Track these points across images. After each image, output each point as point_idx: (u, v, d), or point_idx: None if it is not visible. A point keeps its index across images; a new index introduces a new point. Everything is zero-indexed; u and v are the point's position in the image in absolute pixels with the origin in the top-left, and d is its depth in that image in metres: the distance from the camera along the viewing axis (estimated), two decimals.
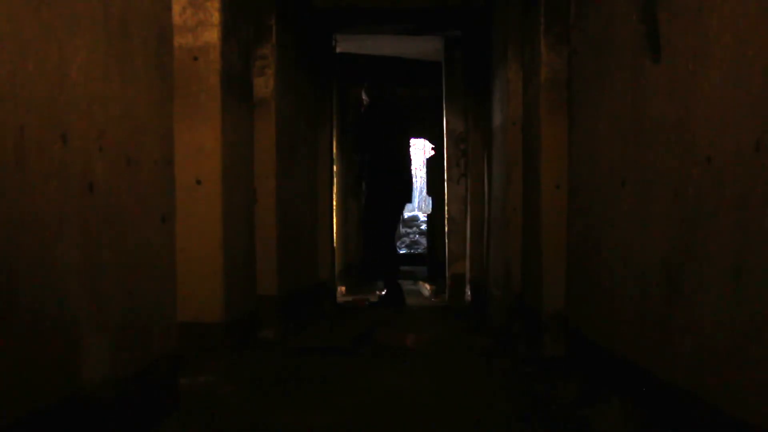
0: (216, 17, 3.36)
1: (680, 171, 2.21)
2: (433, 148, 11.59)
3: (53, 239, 1.80)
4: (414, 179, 8.00)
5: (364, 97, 7.56)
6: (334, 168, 7.72)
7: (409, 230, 18.10)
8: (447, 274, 7.90)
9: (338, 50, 7.95)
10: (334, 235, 7.42)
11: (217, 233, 3.39)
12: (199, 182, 3.35)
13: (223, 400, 2.91)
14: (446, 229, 7.97)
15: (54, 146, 1.80)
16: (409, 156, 7.74)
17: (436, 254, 9.77)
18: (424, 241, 14.49)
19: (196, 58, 3.35)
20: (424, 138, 13.82)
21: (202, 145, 3.35)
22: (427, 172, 11.15)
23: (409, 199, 7.71)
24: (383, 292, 7.42)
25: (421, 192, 23.00)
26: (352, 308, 6.97)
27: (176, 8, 3.19)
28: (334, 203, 7.59)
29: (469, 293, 7.11)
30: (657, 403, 2.37)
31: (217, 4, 3.37)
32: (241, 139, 3.80)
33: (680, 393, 2.19)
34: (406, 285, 10.00)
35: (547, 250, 3.82)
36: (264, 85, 4.44)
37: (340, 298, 7.72)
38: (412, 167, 7.84)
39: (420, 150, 19.52)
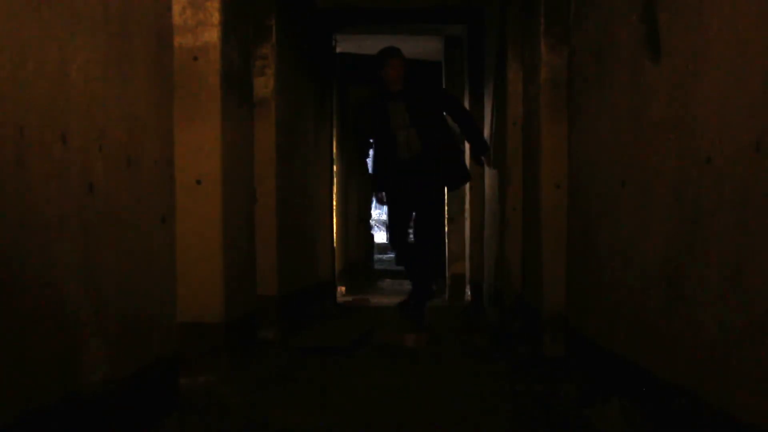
0: (216, 17, 3.36)
1: (680, 171, 2.21)
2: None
3: (53, 239, 1.80)
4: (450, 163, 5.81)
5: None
6: (334, 168, 7.72)
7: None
8: (447, 274, 7.91)
9: (338, 50, 7.95)
10: (334, 235, 7.43)
11: (217, 233, 3.39)
12: (199, 182, 3.35)
13: (223, 400, 2.91)
14: (446, 229, 7.98)
15: (54, 146, 1.80)
16: (435, 136, 5.72)
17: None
18: None
19: (196, 58, 3.35)
20: None
21: (202, 145, 3.35)
22: None
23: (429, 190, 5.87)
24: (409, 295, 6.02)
25: None
26: (352, 308, 6.97)
27: (176, 8, 3.19)
28: (334, 203, 7.59)
29: (469, 293, 7.11)
30: (657, 403, 2.37)
31: (217, 4, 3.36)
32: (241, 139, 3.80)
33: (680, 393, 2.19)
34: (407, 285, 10.00)
35: (547, 250, 3.82)
36: (264, 85, 4.44)
37: (340, 298, 7.72)
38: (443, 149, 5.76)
39: None
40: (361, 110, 6.25)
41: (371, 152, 6.89)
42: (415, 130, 5.62)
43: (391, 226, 6.26)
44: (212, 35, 3.36)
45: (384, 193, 5.98)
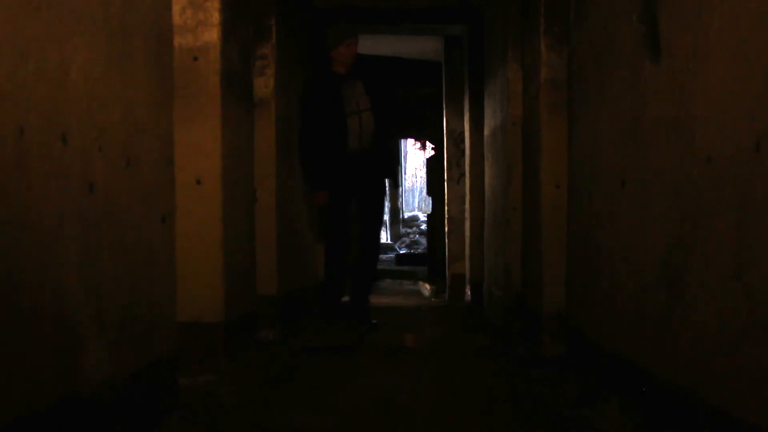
0: (216, 17, 3.36)
1: (680, 171, 2.21)
2: (433, 148, 11.59)
3: (53, 239, 1.80)
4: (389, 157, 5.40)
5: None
6: None
7: (409, 230, 18.11)
8: (447, 274, 7.91)
9: None
10: None
11: (217, 233, 3.39)
12: (199, 182, 3.35)
13: (223, 400, 2.91)
14: (446, 229, 7.98)
15: (54, 146, 1.80)
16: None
17: (436, 254, 9.77)
18: (424, 241, 14.49)
19: (196, 58, 3.35)
20: (424, 138, 13.83)
21: (202, 145, 3.35)
22: (427, 172, 11.15)
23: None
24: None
25: (421, 192, 22.98)
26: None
27: (176, 8, 3.19)
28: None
29: (469, 293, 7.11)
30: (657, 403, 2.37)
31: (217, 4, 3.37)
32: (241, 139, 3.80)
33: (680, 393, 2.19)
34: (406, 285, 10.01)
35: (547, 250, 3.82)
36: (264, 85, 4.44)
37: None
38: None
39: (420, 150, 19.54)
40: (306, 92, 5.13)
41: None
42: (372, 115, 4.92)
43: (334, 231, 5.18)
44: (212, 35, 3.37)
45: (327, 193, 5.03)
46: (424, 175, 13.60)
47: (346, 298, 6.13)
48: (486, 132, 6.15)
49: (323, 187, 5.06)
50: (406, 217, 20.27)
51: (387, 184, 5.31)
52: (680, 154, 2.21)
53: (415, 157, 23.53)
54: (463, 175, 7.36)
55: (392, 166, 5.20)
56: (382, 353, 4.19)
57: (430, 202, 11.12)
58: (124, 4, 2.22)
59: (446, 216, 7.96)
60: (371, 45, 8.16)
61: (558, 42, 3.79)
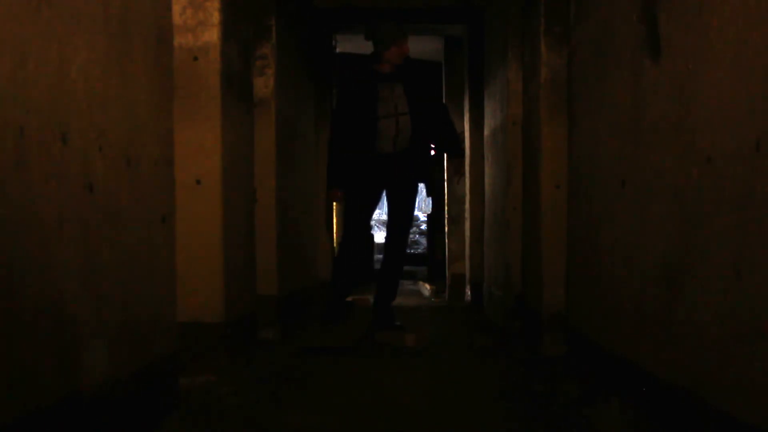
0: (216, 17, 3.36)
1: (680, 171, 2.21)
2: (433, 148, 11.55)
3: (53, 239, 1.80)
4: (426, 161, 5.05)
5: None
6: None
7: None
8: (447, 274, 7.91)
9: (338, 50, 7.95)
10: (334, 234, 7.43)
11: (217, 233, 3.39)
12: (199, 182, 3.35)
13: (223, 400, 2.91)
14: (446, 229, 7.99)
15: (54, 146, 1.80)
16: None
17: (436, 254, 9.77)
18: (424, 241, 14.49)
19: (196, 58, 3.35)
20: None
21: (202, 145, 3.35)
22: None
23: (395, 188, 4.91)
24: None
25: (421, 192, 23.00)
26: (353, 308, 6.96)
27: (176, 8, 3.19)
28: (334, 203, 7.57)
29: (469, 293, 7.11)
30: (657, 403, 2.37)
31: (217, 4, 3.37)
32: (241, 138, 3.80)
33: (680, 393, 2.19)
34: (406, 285, 10.01)
35: (547, 250, 3.82)
36: (264, 85, 4.44)
37: None
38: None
39: None
40: (342, 89, 4.97)
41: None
42: (410, 118, 4.70)
43: (347, 231, 4.99)
44: (212, 35, 3.36)
45: (343, 193, 4.85)
46: None
47: (349, 298, 6.00)
48: (486, 132, 6.15)
49: (337, 186, 4.88)
50: None
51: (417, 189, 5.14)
52: (680, 154, 2.21)
53: None
54: (462, 175, 7.36)
55: (427, 171, 5.04)
56: (381, 353, 4.19)
57: (430, 202, 11.12)
58: (124, 4, 2.22)
59: (446, 216, 7.96)
60: (371, 45, 8.13)
61: (558, 42, 3.80)
